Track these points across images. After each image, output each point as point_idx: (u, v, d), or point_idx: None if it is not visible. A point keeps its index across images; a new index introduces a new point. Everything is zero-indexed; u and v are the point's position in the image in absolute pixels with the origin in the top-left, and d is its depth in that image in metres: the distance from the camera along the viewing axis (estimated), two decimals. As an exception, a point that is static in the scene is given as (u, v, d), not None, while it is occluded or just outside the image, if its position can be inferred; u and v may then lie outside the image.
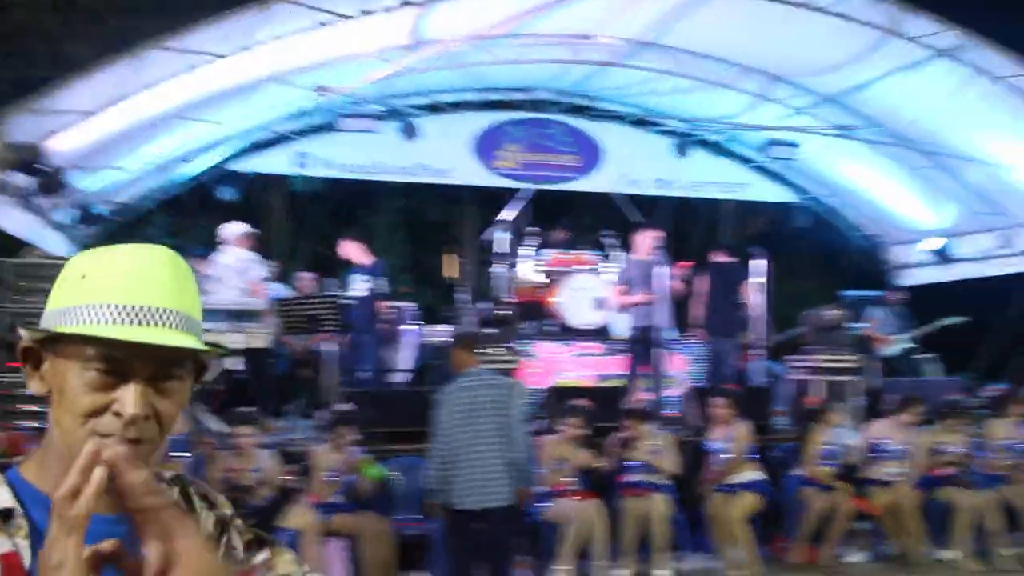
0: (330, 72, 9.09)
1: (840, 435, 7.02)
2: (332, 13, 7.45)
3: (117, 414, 1.13)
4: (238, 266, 8.38)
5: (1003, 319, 11.65)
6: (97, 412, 1.13)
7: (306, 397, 8.44)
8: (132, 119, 8.48)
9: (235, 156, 10.98)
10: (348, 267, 8.96)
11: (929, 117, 10.18)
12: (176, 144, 9.70)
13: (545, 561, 6.30)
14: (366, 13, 7.54)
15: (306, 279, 9.57)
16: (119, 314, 1.13)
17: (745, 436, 6.73)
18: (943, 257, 12.40)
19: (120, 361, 1.13)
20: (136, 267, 1.17)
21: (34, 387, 1.19)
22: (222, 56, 7.67)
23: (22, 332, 1.18)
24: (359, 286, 8.50)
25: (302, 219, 15.68)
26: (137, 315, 1.13)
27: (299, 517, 5.65)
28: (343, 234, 9.03)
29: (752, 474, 6.70)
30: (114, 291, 1.14)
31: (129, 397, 1.12)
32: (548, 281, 9.81)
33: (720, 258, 8.97)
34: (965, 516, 6.75)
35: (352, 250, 8.67)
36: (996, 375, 10.32)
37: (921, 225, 12.48)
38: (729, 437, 6.78)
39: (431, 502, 5.09)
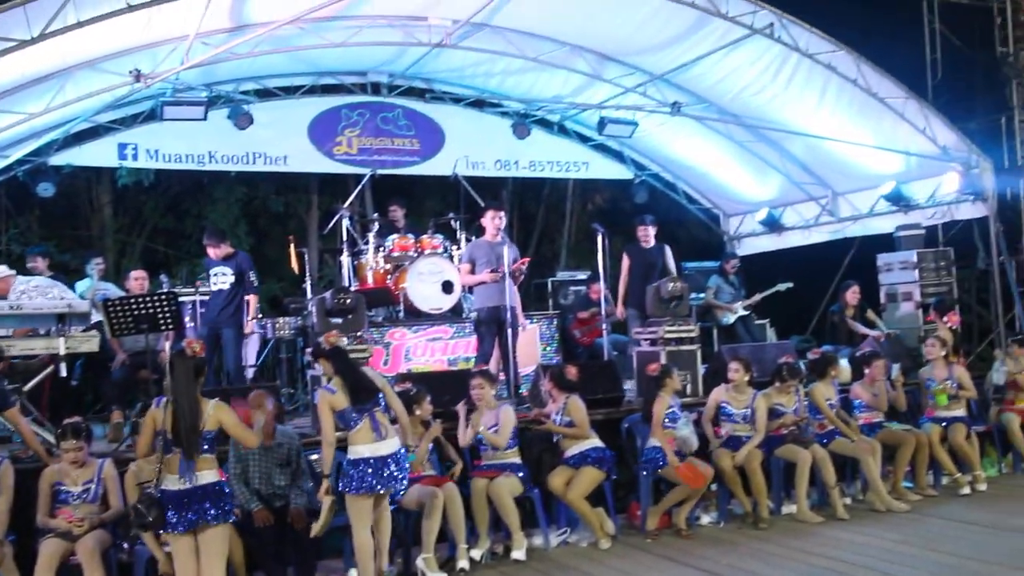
0: (146, 57, 8.62)
1: (676, 401, 7.20)
2: (143, -6, 7.05)
3: None
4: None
5: (827, 283, 12.31)
6: None
7: (145, 401, 7.99)
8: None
9: (52, 149, 10.31)
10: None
11: (750, 93, 10.64)
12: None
13: (407, 548, 6.22)
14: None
15: (131, 278, 9.03)
16: None
17: (576, 408, 6.79)
18: (773, 226, 13.02)
19: None
20: None
21: None
22: (24, 41, 7.12)
23: None
24: (220, 280, 8.30)
25: (132, 214, 14.88)
26: None
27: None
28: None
29: (588, 444, 6.75)
30: None
31: None
32: (393, 267, 9.66)
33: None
34: (804, 472, 7.08)
35: (213, 244, 8.48)
36: (822, 337, 10.91)
37: (752, 196, 13.06)
38: (560, 411, 6.87)
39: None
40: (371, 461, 5.35)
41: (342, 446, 5.57)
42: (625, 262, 9.43)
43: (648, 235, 9.46)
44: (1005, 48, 12.40)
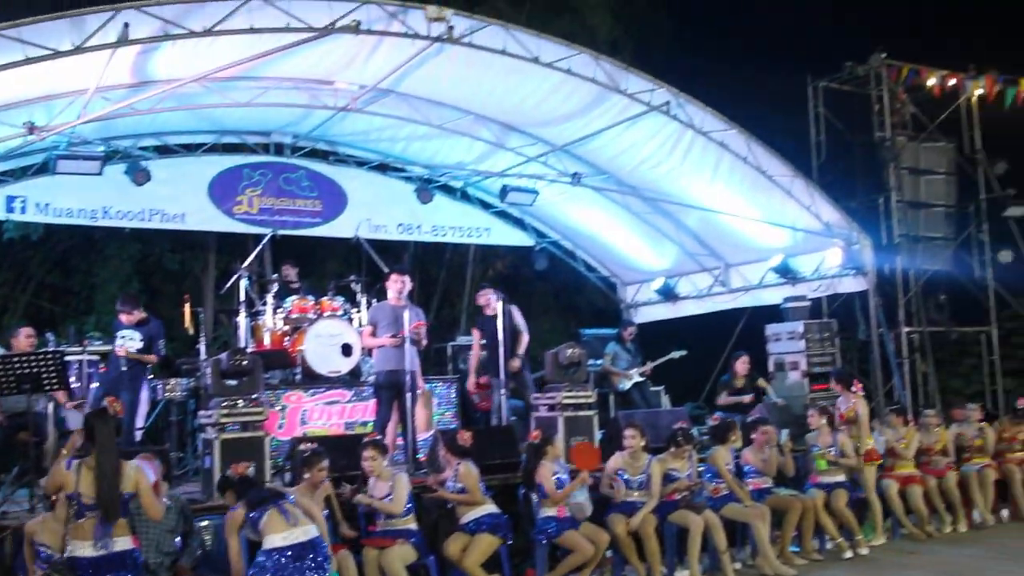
0: (41, 109, 8.43)
1: (562, 466, 7.25)
2: (43, 47, 6.91)
3: None
4: None
5: (720, 351, 12.66)
6: None
7: (24, 464, 7.63)
8: None
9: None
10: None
11: (648, 166, 11.02)
12: None
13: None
14: (81, 49, 7.05)
15: (22, 335, 8.68)
16: None
17: (467, 475, 6.78)
18: (668, 295, 13.37)
19: None
20: None
21: None
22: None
23: None
24: (127, 343, 8.18)
25: (17, 269, 14.32)
26: None
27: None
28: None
29: (484, 510, 6.72)
30: None
31: None
32: (291, 329, 9.54)
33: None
34: (696, 537, 7.20)
35: (126, 311, 8.37)
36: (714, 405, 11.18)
37: (649, 266, 13.42)
38: (455, 477, 6.84)
39: None
40: (288, 549, 5.09)
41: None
42: (476, 336, 9.50)
43: (490, 302, 9.37)
44: (883, 133, 13.16)
